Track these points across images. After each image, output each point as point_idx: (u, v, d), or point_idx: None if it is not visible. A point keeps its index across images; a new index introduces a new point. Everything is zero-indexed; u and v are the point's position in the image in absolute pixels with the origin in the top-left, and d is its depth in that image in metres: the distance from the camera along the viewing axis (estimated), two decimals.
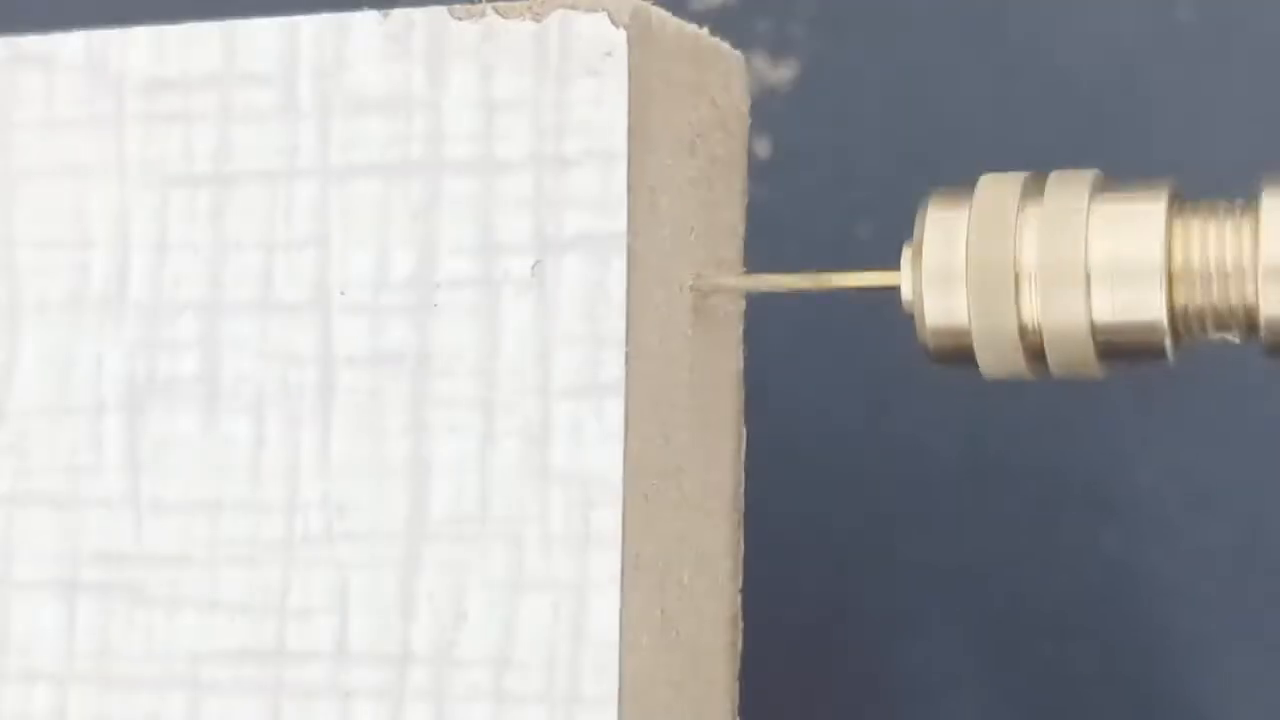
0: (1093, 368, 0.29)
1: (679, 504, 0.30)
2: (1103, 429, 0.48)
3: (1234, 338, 0.28)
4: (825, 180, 0.51)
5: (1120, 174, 0.42)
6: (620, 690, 0.28)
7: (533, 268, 0.29)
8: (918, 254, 0.29)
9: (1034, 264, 0.28)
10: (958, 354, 0.29)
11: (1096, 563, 0.48)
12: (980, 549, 0.48)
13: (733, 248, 0.32)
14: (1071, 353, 0.28)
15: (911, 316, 0.29)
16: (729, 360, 0.32)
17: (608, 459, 0.28)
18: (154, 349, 0.31)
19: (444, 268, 0.29)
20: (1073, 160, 0.51)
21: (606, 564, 0.28)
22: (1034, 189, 0.29)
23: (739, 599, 0.32)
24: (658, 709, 0.29)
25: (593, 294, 0.29)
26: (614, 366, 0.28)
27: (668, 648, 0.30)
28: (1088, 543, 0.48)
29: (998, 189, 0.29)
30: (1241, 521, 0.47)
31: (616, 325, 0.28)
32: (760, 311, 0.53)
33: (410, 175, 0.29)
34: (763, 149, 0.51)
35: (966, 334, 0.29)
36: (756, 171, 0.52)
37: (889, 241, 0.48)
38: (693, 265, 0.30)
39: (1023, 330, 0.28)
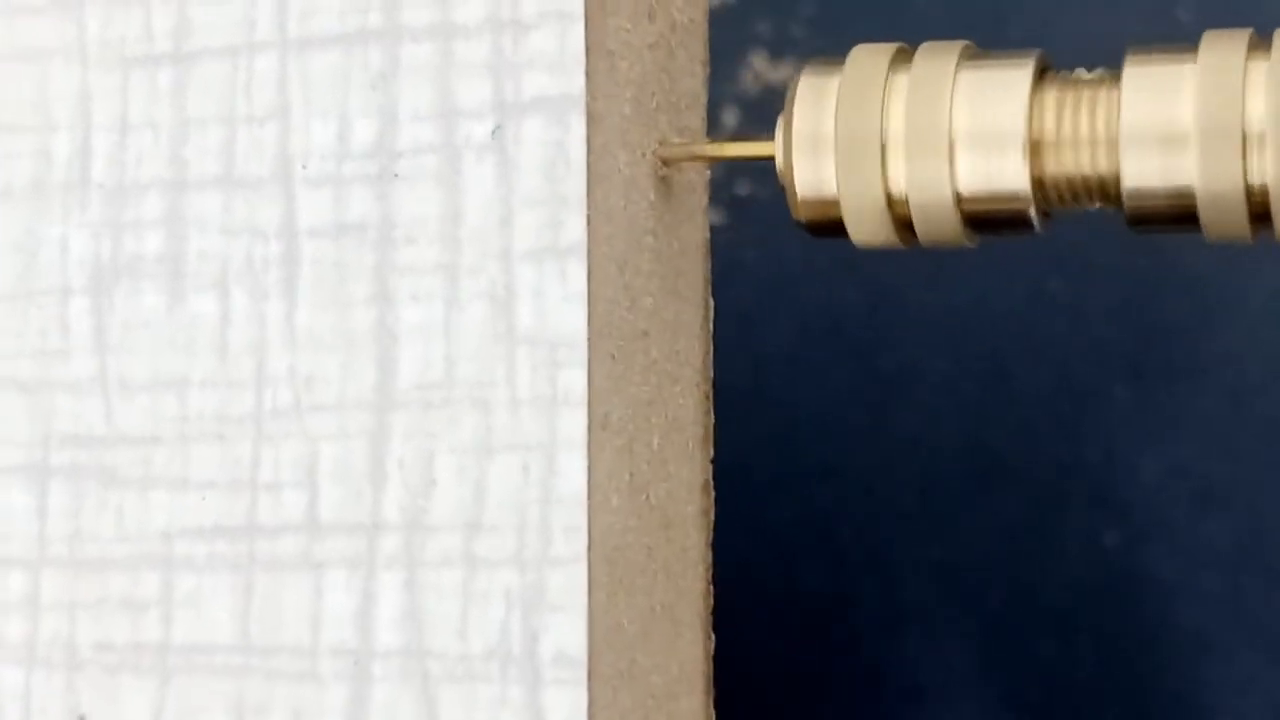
0: (960, 237, 0.28)
1: (646, 369, 0.30)
2: (1103, 429, 0.48)
3: (1097, 206, 0.28)
4: None
5: None
6: (590, 550, 0.28)
7: (493, 132, 0.29)
8: (788, 123, 0.28)
9: (900, 132, 0.28)
10: (828, 224, 0.29)
11: (1097, 561, 0.48)
12: (980, 549, 0.49)
13: (696, 116, 0.32)
14: (938, 222, 0.28)
15: (784, 188, 0.29)
16: (695, 230, 0.32)
17: (572, 320, 0.28)
18: (118, 230, 0.31)
19: (405, 135, 0.29)
20: None
21: (574, 423, 0.28)
22: (903, 58, 0.28)
23: (710, 467, 0.32)
24: (629, 570, 0.29)
25: (553, 156, 0.28)
26: (576, 228, 0.28)
27: (638, 511, 0.30)
28: (1089, 542, 0.48)
29: (868, 58, 0.28)
30: (1242, 520, 0.47)
31: (577, 186, 0.28)
32: (763, 312, 0.53)
33: (369, 44, 0.29)
34: None
35: (836, 203, 0.28)
36: (757, 171, 0.52)
37: None
38: (656, 131, 0.30)
39: (890, 199, 0.28)
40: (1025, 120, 0.27)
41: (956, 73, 0.28)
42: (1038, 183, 0.28)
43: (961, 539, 0.49)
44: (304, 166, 0.30)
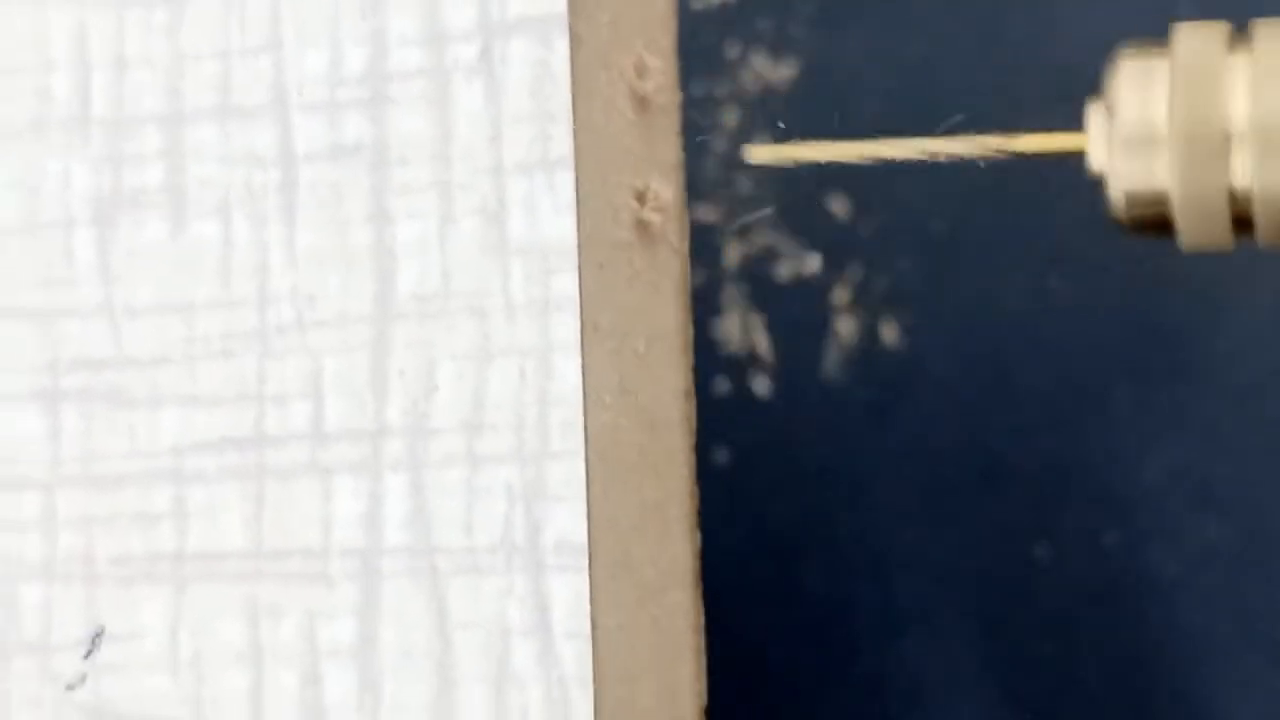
0: None
1: (631, 278, 0.32)
2: (1103, 429, 0.49)
3: None
4: (825, 179, 0.52)
5: None
6: (586, 445, 0.30)
7: (480, 53, 0.30)
8: (1111, 114, 0.27)
9: (1247, 122, 0.26)
10: (1156, 222, 0.27)
11: (1098, 562, 0.48)
12: (980, 549, 0.49)
13: (668, 39, 0.33)
14: None
15: (1099, 182, 0.27)
16: (671, 150, 0.34)
17: (563, 229, 0.30)
18: (119, 163, 0.32)
19: (395, 60, 0.31)
20: (1073, 158, 0.52)
21: (567, 327, 0.30)
22: (1239, 39, 0.27)
23: (691, 375, 0.34)
24: (622, 466, 0.31)
25: (538, 73, 0.30)
26: (563, 141, 0.30)
27: (628, 411, 0.31)
28: (1089, 542, 0.49)
29: (1201, 40, 0.27)
30: (1242, 521, 0.48)
31: (562, 102, 0.30)
32: (761, 313, 0.54)
33: None
34: None
35: (1166, 201, 0.27)
36: (756, 170, 0.53)
37: (889, 239, 0.49)
38: (631, 53, 0.32)
39: (1232, 196, 0.26)
40: None
41: None
42: None
43: (961, 539, 0.49)
44: (299, 94, 0.31)
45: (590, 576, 0.29)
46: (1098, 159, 0.27)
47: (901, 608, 0.50)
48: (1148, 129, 0.26)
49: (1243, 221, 0.27)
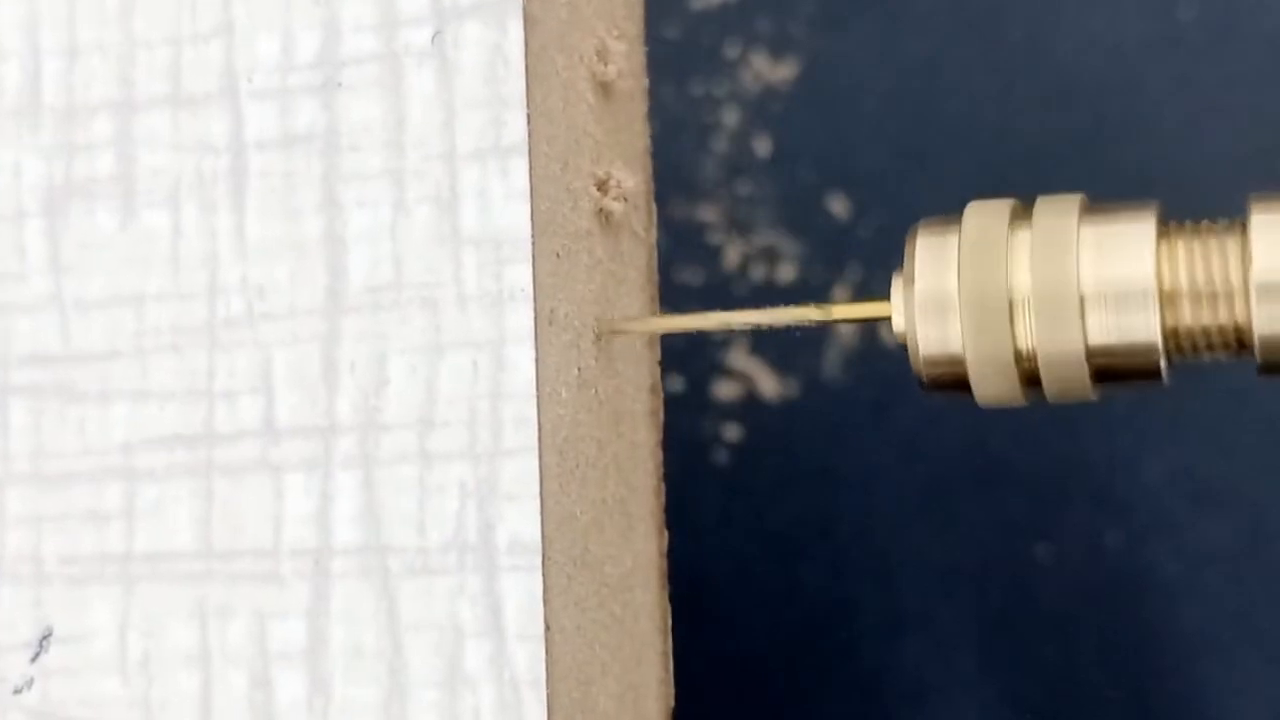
0: (1087, 391, 0.29)
1: (591, 268, 0.31)
2: (1103, 429, 0.48)
3: (1225, 356, 0.29)
4: (825, 179, 0.52)
5: (1121, 171, 0.41)
6: (540, 441, 0.29)
7: (433, 38, 0.29)
8: (909, 283, 0.29)
9: (1027, 290, 0.28)
10: (952, 381, 0.29)
11: (1098, 562, 0.48)
12: (980, 549, 0.49)
13: (633, 23, 0.33)
14: (1067, 377, 0.28)
15: (904, 346, 0.29)
16: (636, 137, 0.33)
17: (516, 217, 0.29)
18: (70, 152, 0.31)
19: (347, 46, 0.30)
20: (1073, 159, 0.51)
21: (521, 319, 0.29)
22: (1022, 214, 0.29)
23: (658, 369, 0.33)
24: (580, 462, 0.30)
25: (492, 58, 0.29)
26: (517, 127, 0.29)
27: (587, 405, 0.30)
28: (1089, 542, 0.48)
29: (986, 215, 0.29)
30: (1243, 521, 0.47)
31: (516, 87, 0.29)
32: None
33: None
34: (763, 148, 0.52)
35: (961, 362, 0.29)
36: (757, 170, 0.53)
37: (889, 239, 0.49)
38: (592, 36, 0.31)
39: (1018, 356, 0.28)
40: (1155, 273, 0.28)
41: (1079, 228, 0.28)
42: (1170, 334, 0.28)
43: (961, 539, 0.49)
44: (250, 81, 0.30)
45: (544, 576, 0.28)
46: (899, 325, 0.29)
47: (901, 608, 0.49)
48: (941, 298, 0.29)
49: (1032, 380, 0.29)
